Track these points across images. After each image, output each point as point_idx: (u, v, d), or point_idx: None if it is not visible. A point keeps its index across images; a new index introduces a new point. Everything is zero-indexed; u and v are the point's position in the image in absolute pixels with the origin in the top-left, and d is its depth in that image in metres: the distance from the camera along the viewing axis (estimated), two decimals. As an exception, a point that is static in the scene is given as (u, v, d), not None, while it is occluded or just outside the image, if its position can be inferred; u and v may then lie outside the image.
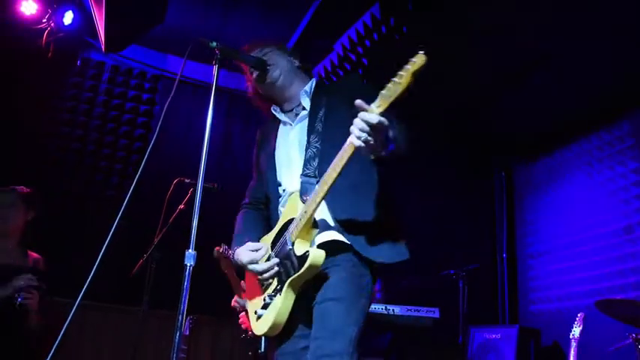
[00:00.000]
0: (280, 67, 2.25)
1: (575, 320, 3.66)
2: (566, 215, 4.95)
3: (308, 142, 2.09)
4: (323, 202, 1.90)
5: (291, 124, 2.25)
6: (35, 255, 3.30)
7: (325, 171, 1.86)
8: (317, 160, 2.04)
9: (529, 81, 4.46)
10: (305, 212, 1.90)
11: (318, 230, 1.95)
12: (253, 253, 2.07)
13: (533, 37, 4.00)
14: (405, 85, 1.62)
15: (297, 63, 2.31)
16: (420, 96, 5.01)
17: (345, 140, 1.82)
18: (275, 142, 2.28)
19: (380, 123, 1.67)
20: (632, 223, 4.28)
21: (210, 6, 4.48)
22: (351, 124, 1.76)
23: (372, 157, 1.81)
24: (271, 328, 1.98)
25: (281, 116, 2.30)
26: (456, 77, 4.47)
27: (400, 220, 2.06)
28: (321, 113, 2.13)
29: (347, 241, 1.93)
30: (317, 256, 1.85)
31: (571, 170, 5.01)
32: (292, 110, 2.28)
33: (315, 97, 2.21)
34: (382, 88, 1.73)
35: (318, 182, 1.92)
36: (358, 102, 1.70)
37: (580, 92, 4.39)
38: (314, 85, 2.27)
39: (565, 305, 4.75)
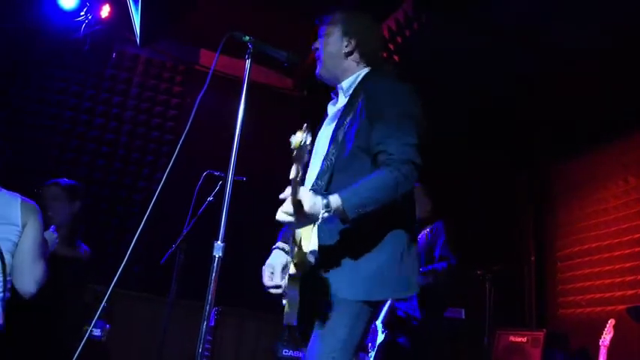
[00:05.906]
0: (325, 57, 2.03)
1: (606, 327, 3.58)
2: (599, 219, 4.84)
3: (328, 150, 1.89)
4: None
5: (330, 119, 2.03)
6: (84, 246, 3.38)
7: (331, 193, 1.65)
8: (327, 177, 1.83)
9: (564, 81, 4.37)
10: (293, 240, 1.75)
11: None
12: (269, 280, 1.93)
13: (568, 37, 3.91)
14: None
15: (348, 49, 2.00)
16: (456, 96, 4.96)
17: (355, 162, 1.77)
18: (319, 130, 2.04)
19: (285, 213, 1.57)
20: (668, 229, 4.16)
21: None
22: (362, 148, 1.76)
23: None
24: None
25: (330, 104, 2.08)
26: (492, 76, 4.41)
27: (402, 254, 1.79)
28: (348, 119, 1.88)
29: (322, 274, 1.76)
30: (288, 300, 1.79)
31: (606, 173, 4.89)
32: (337, 99, 2.04)
33: (355, 94, 1.94)
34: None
35: None
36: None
37: (617, 92, 4.28)
38: (360, 78, 1.98)
39: (595, 311, 4.65)
